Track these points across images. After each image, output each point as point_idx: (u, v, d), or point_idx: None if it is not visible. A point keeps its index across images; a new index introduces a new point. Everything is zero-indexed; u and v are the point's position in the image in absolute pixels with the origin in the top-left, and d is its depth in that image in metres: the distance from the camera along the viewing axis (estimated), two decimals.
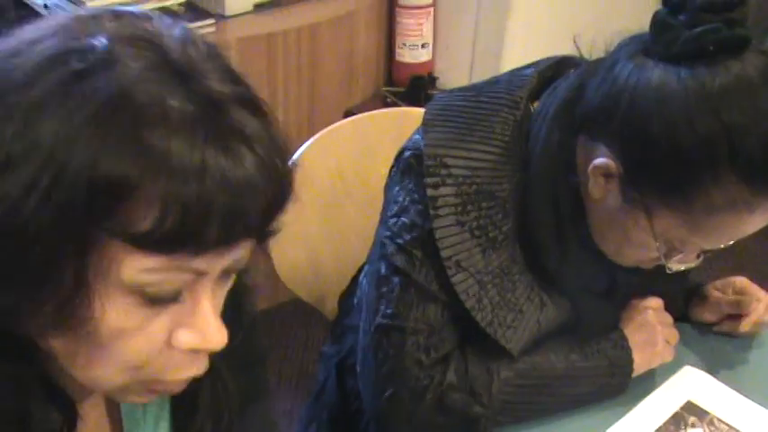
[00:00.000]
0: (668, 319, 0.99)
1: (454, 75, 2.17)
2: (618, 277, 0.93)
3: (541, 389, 0.91)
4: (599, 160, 0.80)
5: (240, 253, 0.49)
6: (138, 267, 0.45)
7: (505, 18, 2.03)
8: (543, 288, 0.90)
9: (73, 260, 0.44)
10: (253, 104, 0.48)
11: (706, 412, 0.94)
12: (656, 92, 0.74)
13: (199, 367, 0.52)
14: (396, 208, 0.90)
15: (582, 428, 0.91)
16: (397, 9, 2.11)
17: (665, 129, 0.73)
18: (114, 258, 0.45)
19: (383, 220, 0.92)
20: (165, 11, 1.79)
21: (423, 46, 2.16)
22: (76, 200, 0.43)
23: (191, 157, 0.43)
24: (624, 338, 0.94)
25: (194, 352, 0.51)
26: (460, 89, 0.95)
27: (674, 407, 0.95)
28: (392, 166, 0.94)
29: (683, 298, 1.08)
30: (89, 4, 1.70)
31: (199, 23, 1.76)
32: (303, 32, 1.89)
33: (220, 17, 1.83)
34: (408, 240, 0.88)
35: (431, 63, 2.20)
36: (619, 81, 0.77)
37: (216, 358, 0.56)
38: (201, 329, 0.49)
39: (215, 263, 0.48)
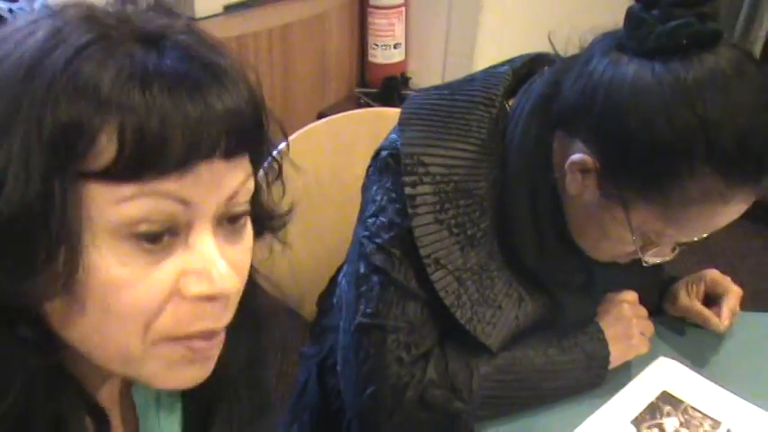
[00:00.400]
0: (643, 311, 1.00)
1: (427, 74, 2.18)
2: (595, 272, 0.94)
3: (520, 383, 0.92)
4: (576, 156, 0.81)
5: (230, 183, 0.48)
6: (114, 200, 0.45)
7: (477, 17, 2.04)
8: (521, 284, 0.91)
9: (55, 218, 0.44)
10: (188, 28, 0.49)
11: (680, 401, 0.96)
12: (632, 86, 0.75)
13: (215, 318, 0.50)
14: (374, 207, 0.90)
15: (560, 420, 0.93)
16: (369, 9, 2.12)
17: (641, 123, 0.74)
18: (92, 202, 0.45)
19: (361, 220, 0.93)
20: None
21: (395, 46, 2.17)
22: (38, 150, 0.43)
23: (133, 80, 0.44)
24: (600, 331, 0.95)
25: (207, 300, 0.48)
26: (436, 88, 0.95)
27: (650, 397, 0.96)
28: (369, 166, 0.95)
29: (658, 291, 1.10)
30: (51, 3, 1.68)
31: None
32: (274, 34, 1.89)
33: (190, 19, 1.82)
34: (387, 239, 0.88)
35: (403, 63, 2.22)
36: (594, 76, 0.78)
37: (234, 372, 0.56)
38: (207, 273, 0.47)
39: (199, 192, 0.47)
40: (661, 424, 0.93)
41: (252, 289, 0.58)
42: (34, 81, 0.44)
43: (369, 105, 2.10)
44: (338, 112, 1.31)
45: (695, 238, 0.84)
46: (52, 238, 0.44)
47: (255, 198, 0.54)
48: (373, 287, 0.89)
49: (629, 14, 0.78)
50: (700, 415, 0.94)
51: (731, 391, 0.98)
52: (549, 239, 0.88)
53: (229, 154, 0.47)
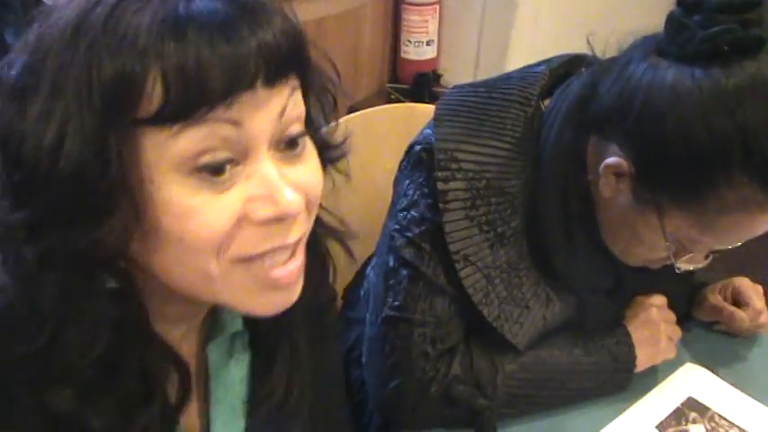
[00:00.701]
0: (671, 316, 1.00)
1: (459, 72, 2.18)
2: (624, 277, 0.94)
3: (545, 383, 0.92)
4: (611, 159, 0.80)
5: (271, 104, 0.50)
6: (170, 137, 0.47)
7: (511, 16, 2.03)
8: (549, 284, 0.90)
9: (114, 166, 0.46)
10: None
11: (707, 408, 0.95)
12: (671, 91, 0.74)
13: (283, 235, 0.52)
14: (405, 201, 0.90)
15: (584, 423, 0.92)
16: (403, 6, 2.12)
17: (678, 128, 0.74)
18: (150, 145, 0.47)
19: (392, 214, 0.93)
20: None
21: (428, 43, 2.16)
22: (91, 109, 0.46)
23: (163, 24, 0.46)
24: (628, 335, 0.95)
25: (276, 222, 0.51)
26: (472, 85, 0.95)
27: (676, 402, 0.96)
28: (402, 161, 0.95)
29: (687, 297, 1.09)
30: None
31: None
32: (308, 27, 1.87)
33: None
34: (417, 234, 0.89)
35: (435, 60, 2.21)
36: (632, 81, 0.77)
37: (294, 328, 0.59)
38: (272, 197, 0.50)
39: (247, 114, 0.48)
40: (686, 430, 0.92)
41: (318, 226, 0.61)
42: (79, 40, 0.46)
43: (399, 101, 2.10)
44: (369, 107, 1.31)
45: (730, 246, 0.83)
46: (115, 186, 0.47)
47: (311, 128, 0.56)
48: (402, 281, 0.89)
49: (671, 19, 0.77)
50: (726, 423, 0.93)
51: (759, 400, 0.96)
52: (579, 242, 0.87)
53: (270, 81, 0.49)
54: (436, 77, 2.21)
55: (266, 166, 0.50)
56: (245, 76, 0.47)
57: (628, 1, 2.06)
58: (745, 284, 1.07)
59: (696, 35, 0.74)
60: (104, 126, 0.46)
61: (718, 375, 1.00)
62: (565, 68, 0.92)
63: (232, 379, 0.66)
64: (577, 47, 0.92)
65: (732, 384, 0.99)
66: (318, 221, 0.61)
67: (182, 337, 0.62)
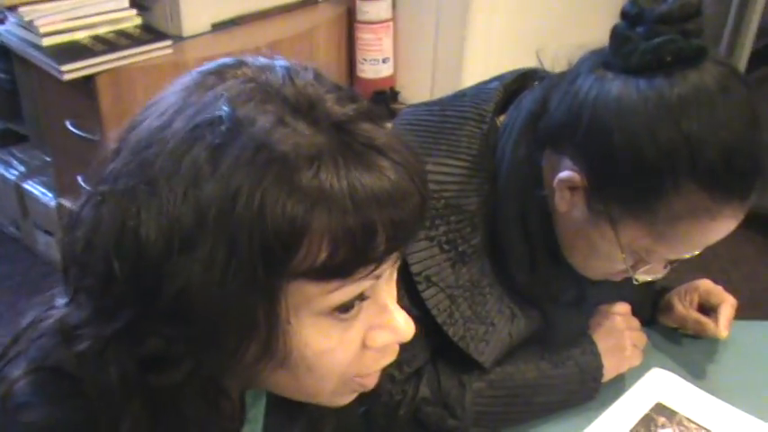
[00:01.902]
0: (636, 323, 1.00)
1: (416, 88, 2.19)
2: (587, 288, 0.94)
3: (513, 398, 0.91)
4: (563, 173, 0.81)
5: (403, 249, 0.53)
6: (325, 295, 0.49)
7: (465, 30, 2.05)
8: (513, 300, 0.90)
9: (264, 311, 0.48)
10: (374, 114, 0.51)
11: (675, 413, 0.96)
12: (617, 104, 0.75)
13: (393, 355, 0.57)
14: None
15: None
16: (357, 25, 2.13)
17: (626, 140, 0.74)
18: (300, 295, 0.49)
19: None
20: (121, 33, 1.77)
21: (383, 61, 2.17)
22: (254, 259, 0.45)
23: (340, 186, 0.46)
24: (593, 344, 0.95)
25: (387, 345, 0.55)
26: (426, 104, 0.95)
27: (644, 409, 0.96)
28: None
29: (651, 302, 1.10)
30: (37, 24, 1.67)
31: (156, 45, 1.75)
32: (263, 51, 1.89)
33: (178, 38, 1.82)
34: None
35: (392, 78, 2.22)
36: (580, 95, 0.78)
37: None
38: (391, 326, 0.54)
39: (387, 266, 0.52)
40: None
41: None
42: (250, 194, 0.45)
43: None
44: None
45: (687, 255, 0.83)
46: (263, 334, 0.49)
47: None
48: None
49: (615, 32, 0.78)
50: (695, 426, 0.94)
51: (726, 401, 0.97)
52: (540, 256, 0.87)
53: (417, 232, 0.53)
54: (394, 95, 2.21)
55: (385, 298, 0.54)
56: (407, 237, 0.50)
57: (580, 16, 2.10)
58: (711, 286, 1.07)
59: (639, 47, 0.75)
60: (271, 274, 0.46)
61: (685, 379, 1.00)
62: (518, 83, 0.93)
63: (255, 415, 0.67)
64: (532, 60, 0.93)
65: (699, 387, 0.99)
66: None
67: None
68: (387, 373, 0.87)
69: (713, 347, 1.07)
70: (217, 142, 0.46)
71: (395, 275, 0.56)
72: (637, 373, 1.00)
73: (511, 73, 0.94)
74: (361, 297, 0.51)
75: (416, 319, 0.86)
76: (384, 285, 0.53)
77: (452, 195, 0.86)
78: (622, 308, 1.00)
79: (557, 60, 0.87)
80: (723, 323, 1.03)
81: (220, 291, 0.46)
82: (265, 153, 0.45)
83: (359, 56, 2.16)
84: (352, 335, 0.53)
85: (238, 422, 0.59)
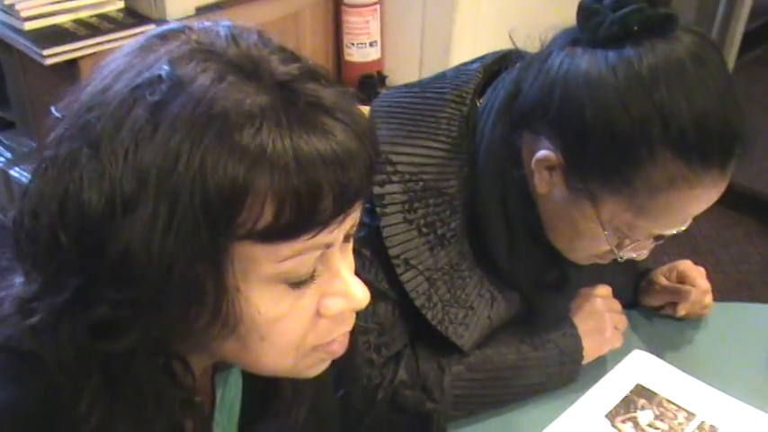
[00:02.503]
0: (617, 305, 1.00)
1: (404, 72, 2.17)
2: (568, 269, 0.94)
3: (493, 381, 0.91)
4: (540, 153, 0.80)
5: (355, 215, 0.53)
6: (272, 259, 0.48)
7: (452, 13, 2.03)
8: (493, 283, 0.90)
9: (211, 274, 0.47)
10: (319, 75, 0.50)
11: (655, 394, 0.96)
12: (586, 77, 0.74)
13: (349, 323, 0.56)
14: None
15: (534, 416, 0.92)
16: (343, 8, 2.10)
17: (597, 113, 0.74)
18: (248, 258, 0.48)
19: None
20: (104, 17, 1.76)
21: (371, 44, 2.15)
22: (197, 219, 0.45)
23: (283, 145, 0.45)
24: (573, 327, 0.95)
25: (342, 313, 0.54)
26: (406, 86, 0.94)
27: (625, 390, 0.96)
28: None
29: (633, 285, 1.10)
30: (18, 8, 1.66)
31: (139, 29, 1.73)
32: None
33: (162, 22, 1.81)
34: (357, 240, 0.87)
35: (380, 61, 2.20)
36: (551, 72, 0.77)
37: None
38: (345, 293, 0.53)
39: (338, 233, 0.51)
40: (635, 417, 0.93)
41: None
42: (192, 158, 0.45)
43: None
44: None
45: (673, 231, 0.83)
46: (212, 298, 0.48)
47: None
48: None
49: (581, 6, 0.77)
50: (674, 407, 0.94)
51: (706, 383, 0.97)
52: (520, 238, 0.87)
53: (364, 196, 0.52)
54: (382, 79, 2.20)
55: (339, 265, 0.53)
56: (354, 199, 0.50)
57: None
58: (689, 267, 1.08)
59: (606, 18, 0.74)
60: (210, 238, 0.46)
61: (665, 360, 1.01)
62: (498, 65, 0.92)
63: (230, 400, 0.67)
64: (519, 44, 0.91)
65: (680, 368, 0.99)
66: None
67: (203, 373, 0.62)
68: (365, 357, 0.87)
69: (694, 330, 1.07)
70: (156, 100, 0.45)
71: (350, 246, 0.56)
72: (617, 355, 1.00)
73: (492, 54, 0.93)
74: (313, 273, 0.51)
75: (395, 303, 0.87)
76: (338, 254, 0.53)
77: (432, 178, 0.86)
78: (603, 290, 1.00)
79: (529, 41, 0.86)
80: (682, 307, 1.04)
81: (163, 251, 0.45)
82: (205, 110, 0.45)
83: (346, 39, 2.14)
84: (305, 302, 0.52)
85: (200, 395, 0.58)
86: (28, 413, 0.51)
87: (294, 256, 0.49)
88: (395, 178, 0.85)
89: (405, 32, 2.15)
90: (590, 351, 0.96)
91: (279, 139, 0.45)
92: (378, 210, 0.85)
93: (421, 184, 0.86)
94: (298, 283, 0.51)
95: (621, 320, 1.00)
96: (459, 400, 0.90)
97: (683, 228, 0.83)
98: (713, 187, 0.77)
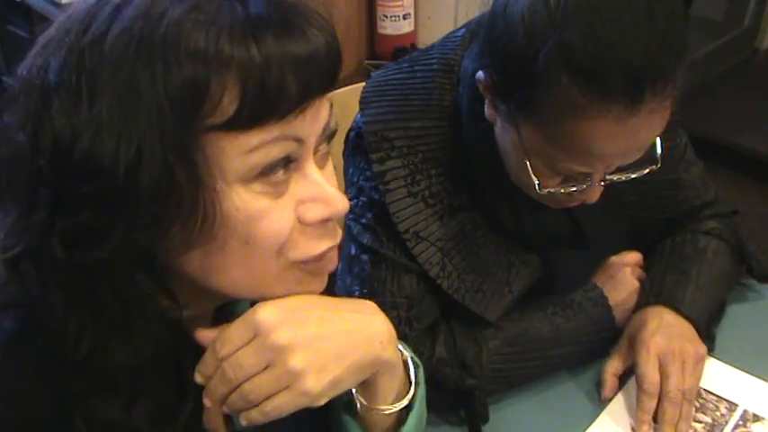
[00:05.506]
0: (644, 274, 0.98)
1: None
2: (581, 221, 0.90)
3: (529, 353, 0.91)
4: (478, 73, 0.78)
5: (323, 114, 0.52)
6: (240, 151, 0.48)
7: None
8: (511, 249, 0.89)
9: (182, 166, 0.47)
10: None
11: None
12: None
13: (335, 235, 0.55)
14: (354, 189, 0.90)
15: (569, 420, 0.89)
16: None
17: (505, 27, 0.72)
18: (218, 151, 0.48)
19: None
20: None
21: (404, 17, 2.12)
22: (162, 106, 0.46)
23: (240, 34, 0.47)
24: (604, 297, 0.94)
25: (324, 223, 0.54)
26: (396, 62, 0.94)
27: None
28: (344, 149, 0.94)
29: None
30: None
31: None
32: None
33: None
34: (371, 218, 0.88)
35: (413, 34, 2.17)
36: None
37: None
38: (322, 198, 0.53)
39: (308, 128, 0.51)
40: None
41: None
42: (150, 54, 0.46)
43: None
44: (348, 85, 1.27)
45: (595, 170, 0.76)
46: (189, 195, 0.48)
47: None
48: (365, 267, 0.88)
49: None
50: (714, 397, 0.91)
51: (744, 371, 0.94)
52: (515, 195, 0.84)
53: (331, 85, 0.52)
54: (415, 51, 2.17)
55: (312, 171, 0.53)
56: (317, 81, 0.49)
57: None
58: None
59: None
60: (181, 135, 0.46)
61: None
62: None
63: None
64: None
65: (716, 357, 0.96)
66: None
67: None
68: (398, 332, 0.85)
69: (729, 317, 1.01)
70: (117, 3, 0.47)
71: (329, 159, 0.56)
72: None
73: (478, 17, 0.90)
74: (286, 161, 0.51)
75: (419, 275, 0.86)
76: (311, 162, 0.53)
77: (429, 149, 0.86)
78: (632, 258, 0.98)
79: None
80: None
81: (130, 137, 0.46)
82: (156, 20, 0.46)
83: (379, 12, 2.12)
84: (284, 203, 0.52)
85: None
86: (19, 347, 0.51)
87: (261, 146, 0.49)
88: (393, 154, 0.85)
89: (438, 5, 2.12)
90: (621, 320, 0.94)
91: (240, 30, 0.47)
92: (381, 187, 0.85)
93: (420, 155, 0.86)
94: (274, 184, 0.50)
95: None
96: (497, 375, 0.89)
97: (611, 172, 0.77)
98: (621, 123, 0.70)
